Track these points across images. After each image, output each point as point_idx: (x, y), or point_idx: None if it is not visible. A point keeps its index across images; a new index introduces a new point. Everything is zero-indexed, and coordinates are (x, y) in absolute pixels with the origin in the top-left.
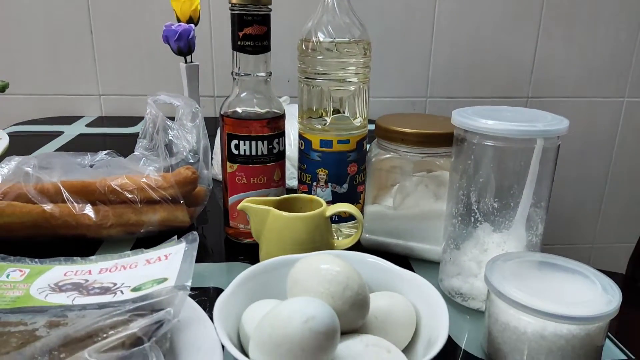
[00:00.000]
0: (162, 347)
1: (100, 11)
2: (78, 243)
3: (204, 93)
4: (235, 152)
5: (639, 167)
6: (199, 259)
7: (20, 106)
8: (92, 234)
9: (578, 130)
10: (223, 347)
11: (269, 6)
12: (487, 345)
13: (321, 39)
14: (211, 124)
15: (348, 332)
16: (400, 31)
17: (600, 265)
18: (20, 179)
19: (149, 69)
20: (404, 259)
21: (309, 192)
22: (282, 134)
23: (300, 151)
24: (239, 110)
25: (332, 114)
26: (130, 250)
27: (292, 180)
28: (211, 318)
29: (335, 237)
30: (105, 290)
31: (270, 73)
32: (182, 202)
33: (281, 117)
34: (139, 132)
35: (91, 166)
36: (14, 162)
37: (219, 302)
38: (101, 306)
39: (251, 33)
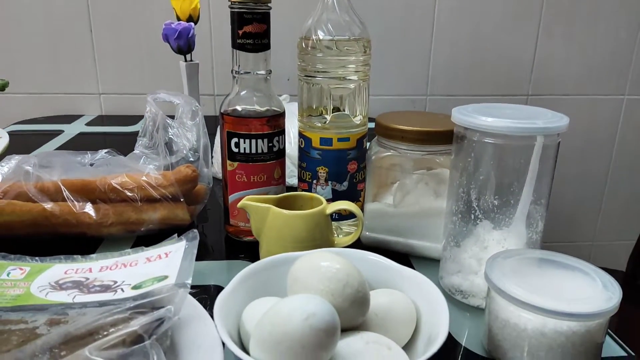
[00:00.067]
0: (162, 344)
1: (100, 10)
2: (78, 241)
3: (204, 91)
4: (235, 150)
5: (639, 165)
6: (199, 257)
7: (20, 105)
8: (93, 233)
9: (578, 128)
10: (223, 344)
11: (269, 4)
12: (488, 342)
13: (321, 37)
14: (211, 123)
15: (348, 329)
16: (400, 29)
17: (601, 262)
18: (21, 177)
19: (149, 68)
20: (404, 257)
21: (309, 190)
22: (282, 132)
23: (300, 149)
24: (239, 108)
25: (332, 112)
26: (131, 248)
27: (292, 179)
28: (212, 316)
29: (336, 235)
30: (105, 288)
31: (270, 71)
32: (182, 200)
33: (281, 115)
34: (139, 131)
35: (91, 165)
36: (14, 160)
37: (220, 300)
38: (102, 304)
39: (251, 31)
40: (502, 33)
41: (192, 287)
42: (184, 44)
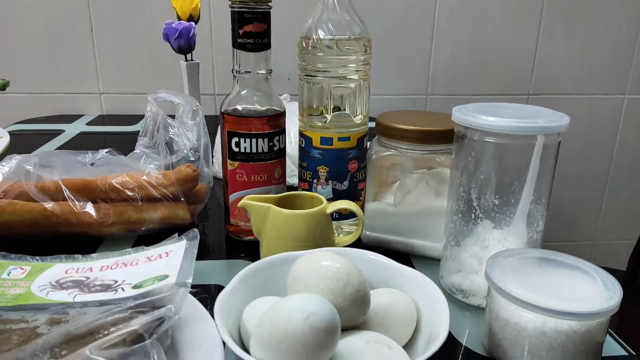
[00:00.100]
0: (163, 344)
1: (100, 9)
2: (79, 241)
3: (205, 91)
4: (236, 149)
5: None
6: (199, 257)
7: (20, 105)
8: (93, 232)
9: (579, 127)
10: (224, 344)
11: (269, 3)
12: (488, 341)
13: (321, 37)
14: (212, 122)
15: (349, 328)
16: (400, 28)
17: (601, 262)
18: (21, 177)
19: (150, 67)
20: (405, 256)
21: (310, 190)
22: (282, 132)
23: (300, 149)
24: (240, 107)
25: (333, 112)
26: (131, 247)
27: (292, 178)
28: (212, 315)
29: (336, 234)
30: (106, 288)
31: (271, 70)
32: (182, 199)
33: (282, 115)
34: (139, 130)
35: (92, 164)
36: (15, 160)
37: (220, 299)
38: (102, 303)
39: (251, 30)
40: (502, 32)
41: (193, 286)
42: (184, 44)
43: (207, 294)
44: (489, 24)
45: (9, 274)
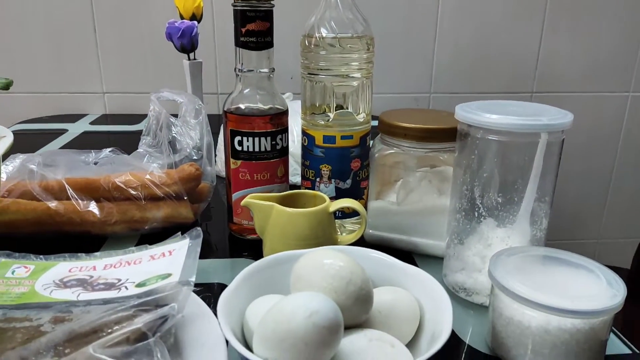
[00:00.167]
0: (166, 342)
1: (103, 9)
2: (82, 239)
3: (207, 90)
4: (239, 148)
5: None
6: (202, 255)
7: (24, 104)
8: (97, 231)
9: (583, 125)
10: (227, 342)
11: (272, 2)
12: (491, 339)
13: (324, 35)
14: (214, 121)
15: (352, 326)
16: (403, 26)
17: (605, 260)
18: (25, 176)
19: (152, 67)
20: (408, 255)
21: (313, 188)
22: (285, 130)
23: (303, 147)
24: (242, 106)
25: (335, 110)
26: (135, 246)
27: (295, 177)
28: (215, 313)
29: (339, 233)
30: (109, 286)
31: (273, 69)
32: (185, 198)
33: (284, 113)
34: (142, 130)
35: (95, 163)
36: (18, 159)
37: (223, 298)
38: (106, 302)
39: (254, 29)
40: (505, 30)
41: (196, 285)
42: (187, 43)
43: (210, 293)
44: (492, 21)
45: (13, 273)
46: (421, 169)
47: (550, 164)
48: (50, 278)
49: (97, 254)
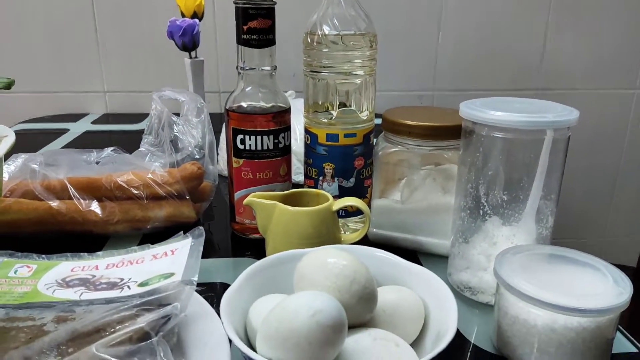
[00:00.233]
0: (169, 341)
1: (104, 8)
2: (85, 239)
3: (209, 89)
4: (241, 147)
5: None
6: (205, 255)
7: (26, 104)
8: (99, 230)
9: (588, 122)
10: (230, 341)
11: None
12: (497, 338)
13: (326, 32)
14: (216, 120)
15: (356, 325)
16: (406, 23)
17: (611, 258)
18: (27, 176)
19: (154, 65)
20: (412, 253)
21: (316, 187)
22: (287, 129)
23: (306, 145)
24: (244, 104)
25: (338, 108)
26: (137, 245)
27: (298, 176)
28: (218, 313)
29: (342, 232)
30: (112, 286)
31: (276, 67)
32: (188, 197)
33: (287, 112)
34: (144, 129)
35: (97, 163)
36: (20, 159)
37: (226, 297)
38: (108, 301)
39: (256, 27)
40: (509, 26)
41: (198, 284)
42: (188, 41)
43: (212, 292)
44: (496, 18)
45: (15, 272)
46: (425, 167)
47: (556, 161)
48: (53, 277)
49: (100, 253)
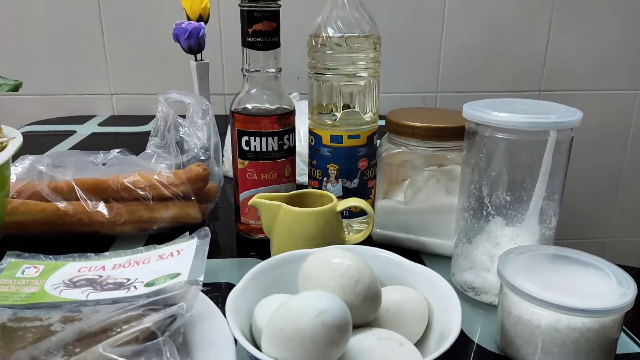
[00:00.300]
0: (175, 341)
1: (110, 11)
2: (92, 240)
3: (214, 91)
4: (246, 148)
5: None
6: (210, 255)
7: (33, 106)
8: (106, 231)
9: (591, 123)
10: (236, 341)
11: (279, 2)
12: (500, 338)
13: (331, 34)
14: (222, 122)
15: (360, 325)
16: (410, 25)
17: (615, 259)
18: (34, 177)
19: (160, 68)
20: (416, 254)
21: (320, 188)
22: (292, 130)
23: (310, 147)
24: (249, 106)
25: (342, 109)
26: (143, 246)
27: (302, 177)
28: (224, 313)
29: (346, 232)
30: (119, 286)
31: (280, 69)
32: (193, 198)
33: (291, 113)
34: (150, 130)
35: (104, 164)
36: (27, 161)
37: (231, 297)
38: (115, 301)
39: (261, 29)
40: (513, 28)
41: (204, 285)
42: (194, 44)
43: (218, 292)
44: (499, 19)
45: (22, 273)
46: (429, 168)
47: (560, 162)
48: (60, 278)
49: (106, 253)
